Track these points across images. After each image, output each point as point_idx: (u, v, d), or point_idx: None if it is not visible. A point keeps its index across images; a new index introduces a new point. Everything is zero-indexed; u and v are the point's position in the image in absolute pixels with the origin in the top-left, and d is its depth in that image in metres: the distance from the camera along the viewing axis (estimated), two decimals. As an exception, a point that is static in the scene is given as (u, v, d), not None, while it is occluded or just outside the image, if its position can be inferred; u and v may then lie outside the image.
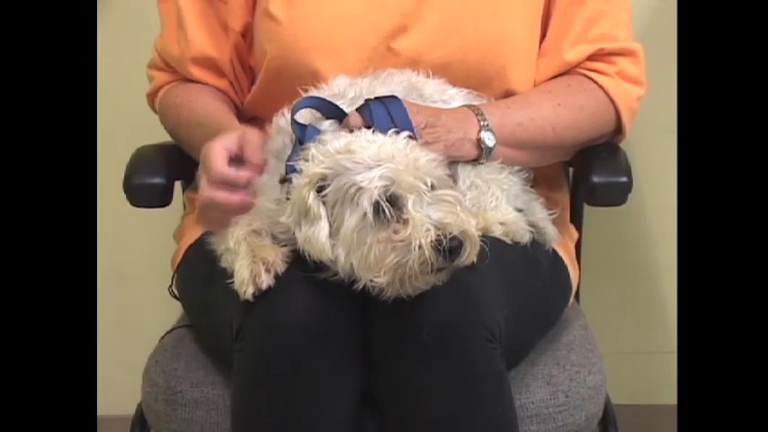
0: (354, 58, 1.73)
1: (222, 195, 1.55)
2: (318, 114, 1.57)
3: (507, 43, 1.76)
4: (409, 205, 1.43)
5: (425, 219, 1.42)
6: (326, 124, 1.56)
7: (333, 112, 1.57)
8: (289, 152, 1.54)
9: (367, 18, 1.75)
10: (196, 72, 1.84)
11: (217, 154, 1.56)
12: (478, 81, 1.74)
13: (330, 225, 1.46)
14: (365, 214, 1.43)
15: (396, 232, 1.43)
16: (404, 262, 1.42)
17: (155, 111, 1.92)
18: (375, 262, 1.44)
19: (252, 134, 1.60)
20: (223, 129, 1.67)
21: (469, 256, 1.44)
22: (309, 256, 1.48)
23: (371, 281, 1.45)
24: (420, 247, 1.41)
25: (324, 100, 1.58)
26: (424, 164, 1.45)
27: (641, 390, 2.42)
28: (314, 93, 1.63)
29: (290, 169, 1.50)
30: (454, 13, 1.75)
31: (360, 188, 1.43)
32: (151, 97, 1.92)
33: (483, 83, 1.74)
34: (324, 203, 1.46)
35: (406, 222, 1.42)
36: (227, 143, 1.58)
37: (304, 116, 1.57)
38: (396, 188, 1.43)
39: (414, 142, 1.49)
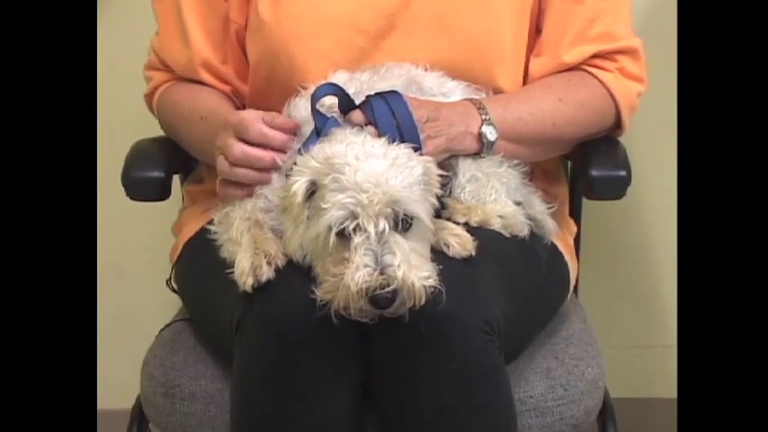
0: (342, 59, 1.73)
1: (257, 151, 1.57)
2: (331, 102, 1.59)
3: (494, 41, 1.75)
4: (352, 246, 1.43)
5: (363, 264, 1.42)
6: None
7: (345, 103, 1.58)
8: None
9: (354, 19, 1.74)
10: (206, 77, 1.82)
11: (252, 116, 1.59)
12: (465, 79, 1.73)
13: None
14: (319, 234, 1.45)
15: (336, 264, 1.44)
16: (334, 294, 1.44)
17: (152, 111, 1.90)
18: (318, 277, 1.47)
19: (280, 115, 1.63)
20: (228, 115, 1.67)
21: (404, 307, 1.44)
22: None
23: (315, 292, 1.46)
24: (348, 287, 1.41)
25: (341, 89, 1.59)
26: (397, 198, 1.44)
27: (640, 383, 2.42)
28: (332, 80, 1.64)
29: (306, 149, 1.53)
30: (441, 11, 1.75)
31: (323, 208, 1.44)
32: (149, 97, 1.90)
33: (469, 81, 1.73)
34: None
35: (347, 259, 1.43)
36: (259, 113, 1.60)
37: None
38: (349, 224, 1.43)
39: (413, 162, 1.49)
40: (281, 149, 1.58)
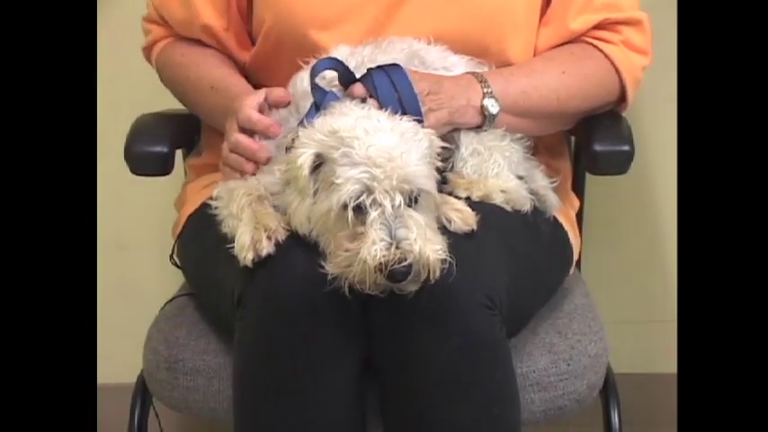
0: (354, 30, 1.72)
1: (245, 139, 1.60)
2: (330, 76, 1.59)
3: (507, 13, 1.74)
4: (368, 220, 1.43)
5: (379, 238, 1.42)
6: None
7: (346, 77, 1.57)
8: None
9: None
10: (206, 40, 1.83)
11: (248, 102, 1.62)
12: (475, 51, 1.72)
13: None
14: (331, 209, 1.45)
15: (351, 239, 1.44)
16: (348, 269, 1.43)
17: (150, 63, 1.91)
18: (330, 253, 1.47)
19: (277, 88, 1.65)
20: (238, 92, 1.70)
21: (416, 281, 1.44)
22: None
23: (325, 267, 1.46)
24: (364, 262, 1.41)
25: (341, 63, 1.58)
26: (409, 173, 1.44)
27: (641, 358, 2.42)
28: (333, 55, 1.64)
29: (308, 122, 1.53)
30: None
31: (335, 183, 1.44)
32: (147, 51, 1.90)
33: (479, 52, 1.73)
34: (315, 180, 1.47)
35: (362, 234, 1.43)
36: (258, 96, 1.64)
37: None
38: (364, 198, 1.43)
39: (420, 135, 1.49)
40: (266, 132, 1.60)
